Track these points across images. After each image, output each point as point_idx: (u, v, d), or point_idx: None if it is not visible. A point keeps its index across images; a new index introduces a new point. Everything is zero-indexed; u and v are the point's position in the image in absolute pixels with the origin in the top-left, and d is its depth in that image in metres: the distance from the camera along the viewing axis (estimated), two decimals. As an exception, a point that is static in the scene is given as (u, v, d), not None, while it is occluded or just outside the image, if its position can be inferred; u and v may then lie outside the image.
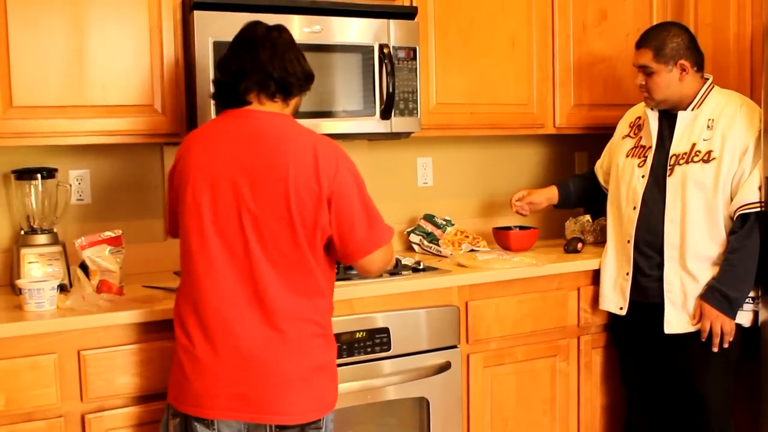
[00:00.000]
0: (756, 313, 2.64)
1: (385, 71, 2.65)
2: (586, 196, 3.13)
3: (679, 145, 2.67)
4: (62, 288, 2.32)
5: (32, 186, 2.52)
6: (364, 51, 2.65)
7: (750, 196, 2.54)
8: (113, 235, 2.38)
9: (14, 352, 2.06)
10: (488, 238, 3.22)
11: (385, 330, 2.49)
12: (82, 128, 2.39)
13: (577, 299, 2.89)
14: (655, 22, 3.15)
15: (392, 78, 2.64)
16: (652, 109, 2.74)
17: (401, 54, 2.71)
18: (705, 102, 2.68)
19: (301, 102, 2.06)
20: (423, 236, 3.14)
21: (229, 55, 1.98)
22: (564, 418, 2.91)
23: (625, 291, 2.77)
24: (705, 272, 2.62)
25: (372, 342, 2.46)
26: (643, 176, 2.73)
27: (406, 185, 3.30)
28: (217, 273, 1.89)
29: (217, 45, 2.39)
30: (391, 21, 2.69)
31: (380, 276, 2.41)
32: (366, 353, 2.46)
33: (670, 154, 2.67)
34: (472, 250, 3.07)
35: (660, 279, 2.68)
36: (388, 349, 2.50)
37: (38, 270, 2.42)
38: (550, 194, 3.06)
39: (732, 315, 2.59)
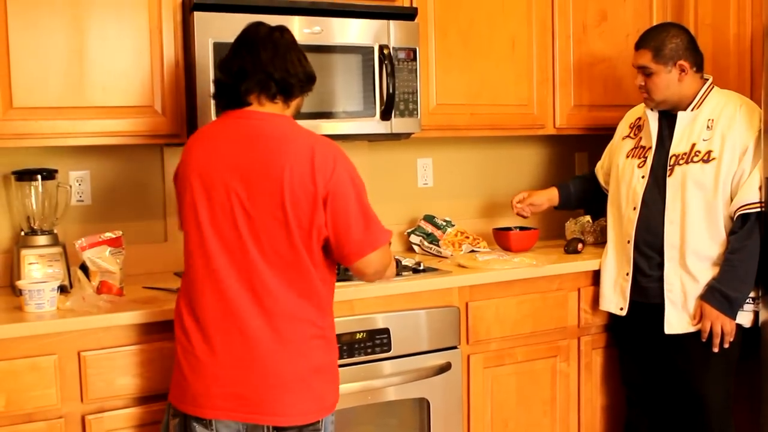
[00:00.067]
0: (756, 314, 2.64)
1: (385, 72, 2.65)
2: (587, 198, 3.13)
3: (678, 145, 2.67)
4: (62, 289, 2.33)
5: (32, 187, 2.52)
6: (364, 52, 2.65)
7: (750, 196, 2.54)
8: (113, 236, 2.38)
9: (14, 353, 2.06)
10: (488, 239, 3.22)
11: (386, 331, 2.49)
12: (82, 129, 2.39)
13: (577, 300, 2.89)
14: (655, 23, 3.16)
15: (392, 79, 2.64)
16: (651, 109, 2.74)
17: (401, 55, 2.71)
18: (705, 102, 2.68)
19: (302, 103, 2.06)
20: (423, 237, 3.14)
21: (230, 55, 1.98)
22: (564, 419, 2.90)
23: (626, 291, 2.77)
24: (705, 272, 2.62)
25: (372, 343, 2.46)
26: (643, 177, 2.73)
27: (406, 186, 3.30)
28: (216, 273, 1.89)
29: (217, 46, 2.39)
30: (391, 22, 2.69)
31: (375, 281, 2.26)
32: (366, 354, 2.46)
33: (670, 155, 2.67)
34: (473, 251, 3.07)
35: (660, 279, 2.68)
36: (389, 350, 2.50)
37: (38, 271, 2.42)
38: (551, 195, 3.06)
39: (732, 315, 2.59)
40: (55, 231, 2.54)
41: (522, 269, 2.76)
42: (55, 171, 2.57)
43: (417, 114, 2.75)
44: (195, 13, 2.41)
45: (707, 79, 2.73)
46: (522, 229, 3.19)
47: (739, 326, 2.62)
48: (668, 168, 2.67)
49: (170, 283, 2.52)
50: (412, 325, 2.54)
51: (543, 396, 2.85)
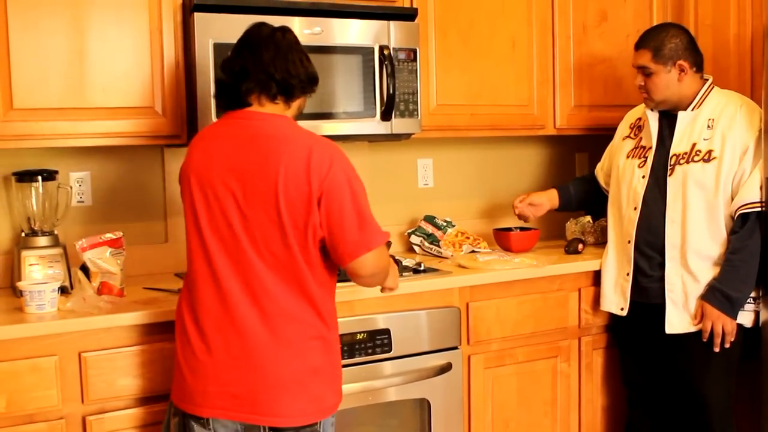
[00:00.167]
0: (757, 314, 2.64)
1: (386, 72, 2.65)
2: (587, 199, 3.12)
3: (679, 144, 2.67)
4: (63, 290, 2.32)
5: (33, 188, 2.52)
6: (365, 52, 2.65)
7: (751, 195, 2.54)
8: (114, 237, 2.38)
9: (15, 354, 2.06)
10: (489, 240, 3.22)
11: (386, 331, 2.49)
12: (82, 130, 2.39)
13: (577, 300, 2.89)
14: (655, 23, 3.16)
15: (392, 79, 2.64)
16: (651, 109, 2.74)
17: (401, 55, 2.71)
18: (705, 102, 2.68)
19: (305, 104, 2.05)
20: (424, 237, 3.14)
21: (232, 55, 1.98)
22: (565, 419, 2.90)
23: (626, 291, 2.77)
24: (706, 272, 2.62)
25: (373, 343, 2.46)
26: (643, 177, 2.73)
27: (406, 186, 3.29)
28: (215, 273, 1.89)
29: (217, 47, 2.39)
30: (392, 22, 2.69)
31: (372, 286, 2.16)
32: (367, 354, 2.46)
33: (671, 154, 2.67)
34: (473, 251, 3.07)
35: (661, 279, 2.68)
36: (389, 351, 2.50)
37: (39, 272, 2.42)
38: (551, 195, 3.06)
39: (733, 315, 2.59)
40: (56, 232, 2.54)
41: (522, 270, 2.76)
42: (56, 172, 2.57)
43: (417, 114, 2.75)
44: (195, 14, 2.41)
45: (707, 79, 2.73)
46: (522, 229, 3.19)
47: (739, 326, 2.62)
48: (669, 168, 2.67)
49: (171, 284, 2.52)
50: (413, 326, 2.54)
51: (544, 396, 2.85)
